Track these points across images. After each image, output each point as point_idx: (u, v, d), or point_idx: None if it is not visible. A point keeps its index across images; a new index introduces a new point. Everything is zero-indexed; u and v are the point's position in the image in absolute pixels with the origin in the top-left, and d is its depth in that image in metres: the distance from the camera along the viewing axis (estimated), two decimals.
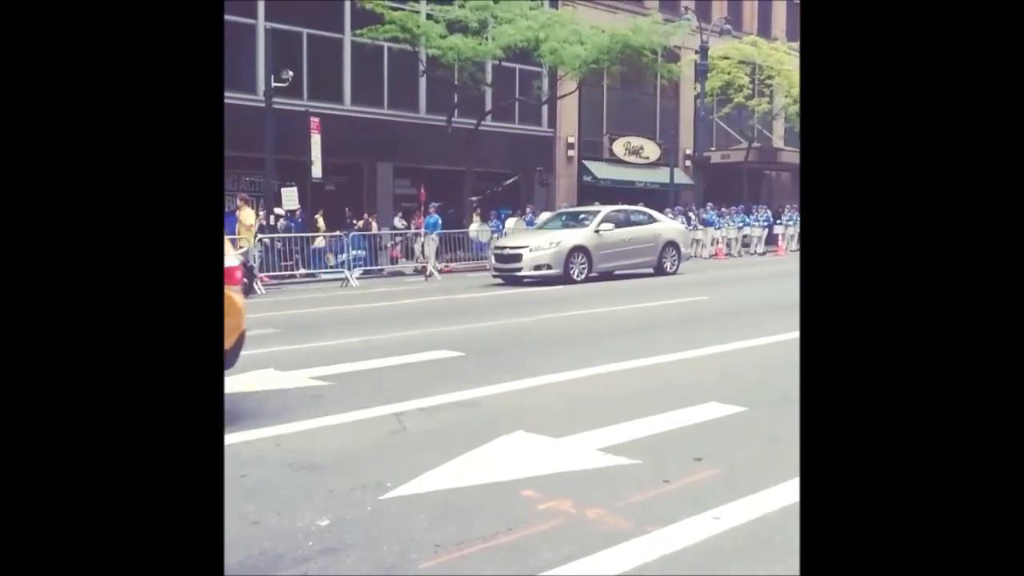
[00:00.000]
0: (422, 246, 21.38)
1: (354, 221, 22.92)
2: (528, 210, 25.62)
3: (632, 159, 33.73)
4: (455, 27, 24.08)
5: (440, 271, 20.45)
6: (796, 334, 8.88)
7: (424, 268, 20.42)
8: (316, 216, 23.11)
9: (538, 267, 17.08)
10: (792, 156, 37.58)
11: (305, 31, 25.36)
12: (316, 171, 22.43)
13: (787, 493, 3.98)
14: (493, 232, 22.36)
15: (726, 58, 32.95)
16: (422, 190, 24.05)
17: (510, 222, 23.95)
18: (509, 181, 27.36)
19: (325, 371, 7.37)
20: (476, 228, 23.00)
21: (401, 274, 21.62)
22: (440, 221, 21.77)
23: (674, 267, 19.17)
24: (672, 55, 30.36)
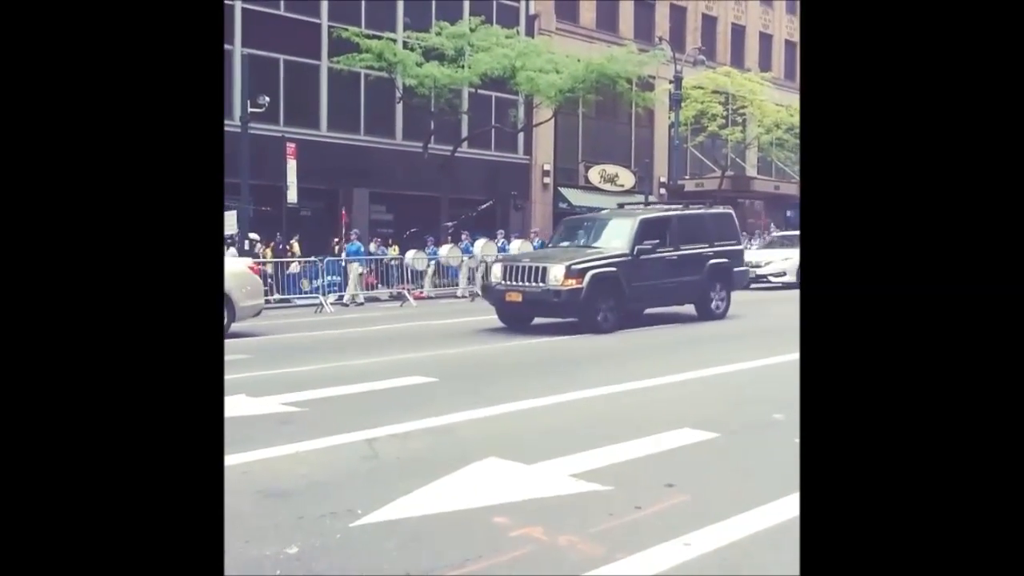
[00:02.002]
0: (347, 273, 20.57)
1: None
2: (499, 234, 25.22)
3: (607, 186, 33.94)
4: (431, 55, 24.22)
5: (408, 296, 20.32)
6: (764, 361, 8.91)
7: (400, 294, 20.35)
8: (292, 241, 23.01)
9: None
10: (765, 184, 37.99)
11: (282, 57, 25.40)
12: (292, 196, 22.35)
13: (758, 519, 3.99)
14: (430, 259, 21.93)
15: (700, 88, 33.33)
16: (343, 212, 23.50)
17: (461, 248, 22.81)
18: (484, 206, 27.40)
19: (297, 397, 7.31)
20: (412, 255, 21.68)
21: (376, 300, 21.52)
22: (362, 248, 21.08)
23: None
24: (647, 84, 30.68)
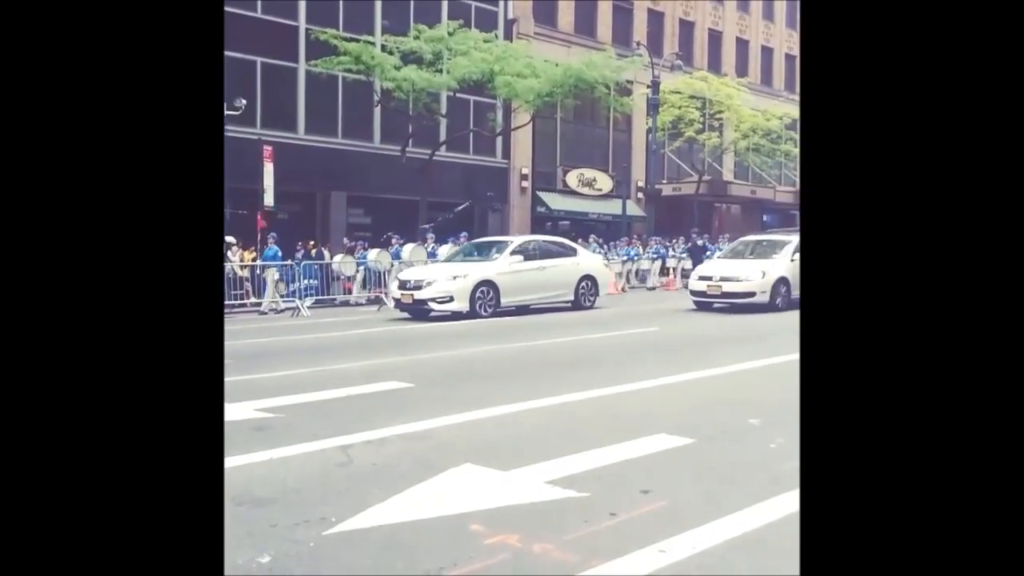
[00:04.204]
0: (263, 279, 19.81)
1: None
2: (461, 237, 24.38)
3: (585, 191, 34.05)
4: (410, 58, 24.19)
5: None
6: (741, 366, 8.94)
7: (377, 297, 20.26)
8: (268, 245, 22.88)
9: None
10: (742, 189, 38.25)
11: (259, 59, 25.28)
12: (268, 199, 22.27)
13: (732, 526, 4.00)
14: (359, 265, 20.76)
15: (677, 92, 33.53)
16: (259, 217, 22.14)
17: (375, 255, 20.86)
18: (460, 208, 27.38)
19: (271, 403, 7.26)
20: (339, 260, 20.59)
21: (355, 304, 21.44)
22: (280, 253, 20.09)
23: None
24: (624, 89, 30.79)
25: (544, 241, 19.09)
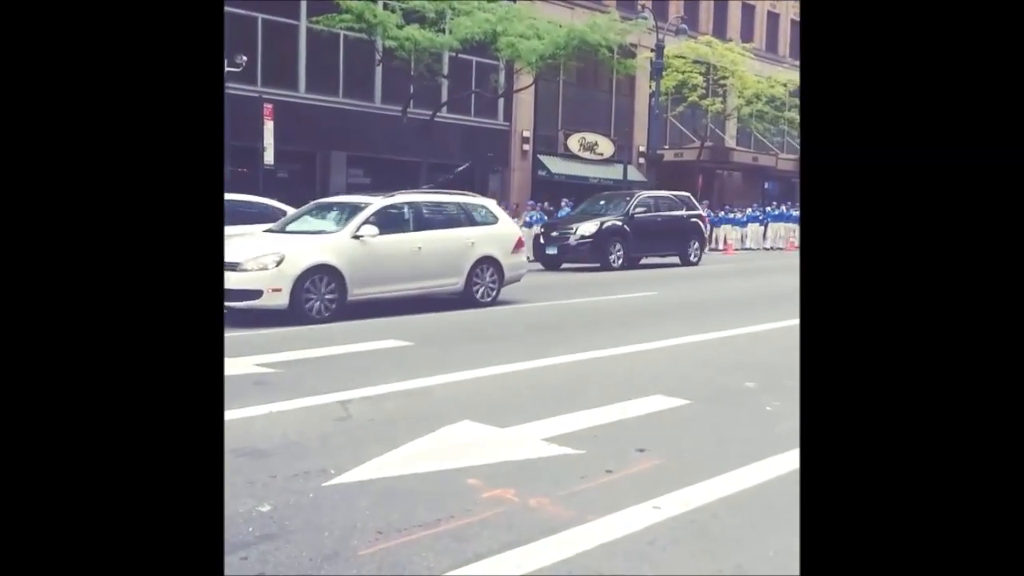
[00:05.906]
0: None
1: None
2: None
3: (586, 155, 33.88)
4: (412, 17, 23.94)
5: None
6: (740, 330, 8.98)
7: None
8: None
9: None
10: (744, 156, 38.08)
11: (260, 16, 25.00)
12: (268, 158, 22.15)
13: (725, 484, 4.06)
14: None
15: (681, 57, 33.21)
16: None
17: None
18: (460, 168, 27.23)
19: (271, 358, 7.30)
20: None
21: None
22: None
23: None
24: (628, 52, 30.48)
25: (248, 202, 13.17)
